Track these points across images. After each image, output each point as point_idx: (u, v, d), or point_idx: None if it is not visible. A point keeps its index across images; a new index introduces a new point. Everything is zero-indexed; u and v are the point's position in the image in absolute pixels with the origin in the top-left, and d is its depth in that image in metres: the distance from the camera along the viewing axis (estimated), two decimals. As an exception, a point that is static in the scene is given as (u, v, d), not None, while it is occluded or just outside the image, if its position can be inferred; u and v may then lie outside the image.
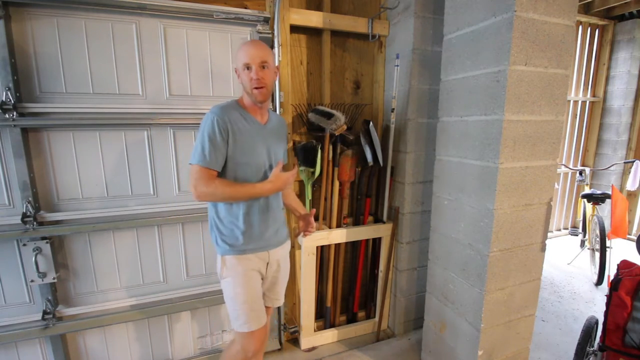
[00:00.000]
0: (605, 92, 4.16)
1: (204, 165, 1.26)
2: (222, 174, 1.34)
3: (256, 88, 1.31)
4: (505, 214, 1.48)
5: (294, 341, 2.26)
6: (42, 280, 1.62)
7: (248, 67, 1.31)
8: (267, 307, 1.63)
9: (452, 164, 1.68)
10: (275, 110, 1.92)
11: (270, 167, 1.43)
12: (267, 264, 1.48)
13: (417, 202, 2.18)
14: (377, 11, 2.18)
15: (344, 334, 2.30)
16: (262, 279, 1.50)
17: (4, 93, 1.45)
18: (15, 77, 1.49)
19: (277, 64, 1.87)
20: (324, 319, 2.31)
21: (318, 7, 2.07)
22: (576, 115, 4.14)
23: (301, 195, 2.18)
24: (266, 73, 1.33)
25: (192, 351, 2.03)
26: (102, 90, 1.64)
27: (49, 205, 1.63)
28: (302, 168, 2.01)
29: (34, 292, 1.66)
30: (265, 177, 1.41)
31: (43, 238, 1.60)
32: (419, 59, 2.01)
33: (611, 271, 2.83)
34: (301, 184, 2.16)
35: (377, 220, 2.33)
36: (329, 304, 2.27)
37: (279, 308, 2.12)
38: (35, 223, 1.57)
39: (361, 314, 2.48)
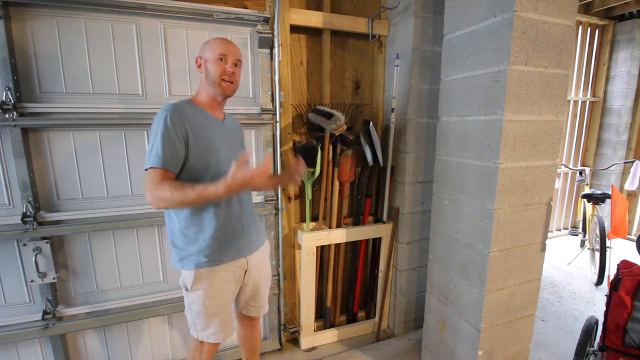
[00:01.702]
0: (605, 92, 4.16)
1: (159, 167, 1.16)
2: (180, 179, 1.24)
3: (225, 81, 1.29)
4: (505, 214, 1.48)
5: (294, 341, 2.26)
6: (42, 280, 1.62)
7: (223, 58, 1.28)
8: (252, 318, 1.60)
9: (452, 164, 1.68)
10: (275, 111, 1.92)
11: None
12: (246, 271, 1.42)
13: (417, 202, 2.18)
14: (377, 11, 2.18)
15: (344, 334, 2.30)
16: (240, 286, 1.45)
17: (4, 93, 1.45)
18: (15, 77, 1.49)
19: (276, 64, 1.87)
20: (324, 319, 2.31)
21: (318, 7, 2.07)
22: (576, 115, 4.14)
23: (301, 195, 2.18)
24: (238, 71, 1.33)
25: (192, 351, 2.03)
26: (102, 90, 1.64)
27: (49, 205, 1.63)
28: (302, 168, 2.01)
29: (34, 292, 1.66)
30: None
31: (43, 238, 1.60)
32: (419, 59, 2.01)
33: (611, 271, 2.83)
34: (301, 184, 2.16)
35: (377, 220, 2.33)
36: (329, 304, 2.27)
37: (278, 308, 2.12)
38: (35, 223, 1.57)
39: (361, 314, 2.48)
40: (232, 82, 1.31)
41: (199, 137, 1.24)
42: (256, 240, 1.46)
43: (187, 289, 1.33)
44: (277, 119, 1.93)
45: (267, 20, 1.83)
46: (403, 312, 2.30)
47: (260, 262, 1.49)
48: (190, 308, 1.36)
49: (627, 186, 3.45)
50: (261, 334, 1.84)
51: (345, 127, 1.94)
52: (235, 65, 1.32)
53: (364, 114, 2.29)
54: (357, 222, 2.28)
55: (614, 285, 1.52)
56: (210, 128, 1.30)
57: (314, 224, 2.17)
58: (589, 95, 4.16)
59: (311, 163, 1.97)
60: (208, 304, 1.33)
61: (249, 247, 1.42)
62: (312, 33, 2.08)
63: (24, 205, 1.55)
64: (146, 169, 1.19)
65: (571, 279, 3.18)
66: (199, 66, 1.32)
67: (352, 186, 2.23)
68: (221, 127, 1.36)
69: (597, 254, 2.98)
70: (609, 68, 4.10)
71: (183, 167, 1.23)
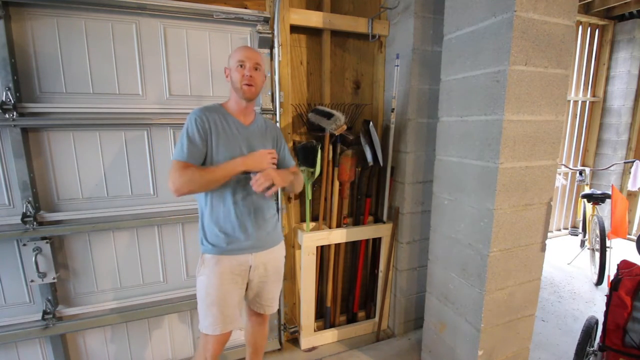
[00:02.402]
0: (605, 92, 4.16)
1: (181, 159, 1.30)
2: None
3: (246, 85, 1.36)
4: (505, 214, 1.48)
5: (294, 341, 2.26)
6: (42, 280, 1.62)
7: (242, 64, 1.36)
8: (259, 314, 1.62)
9: (452, 164, 1.68)
10: (275, 111, 1.92)
11: (245, 172, 1.38)
12: (251, 267, 1.45)
13: (417, 202, 2.18)
14: (377, 11, 2.18)
15: (344, 334, 2.30)
16: (247, 283, 1.48)
17: (4, 93, 1.45)
18: (15, 77, 1.49)
19: (276, 64, 1.87)
20: (324, 319, 2.31)
21: (318, 7, 2.07)
22: (576, 115, 4.14)
23: (301, 195, 2.18)
24: (257, 74, 1.39)
25: (192, 351, 2.02)
26: (102, 90, 1.64)
27: (49, 205, 1.63)
28: (302, 168, 2.01)
29: (34, 292, 1.66)
30: (245, 177, 1.38)
31: (43, 238, 1.60)
32: (419, 59, 2.01)
33: (611, 271, 2.83)
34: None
35: (377, 220, 2.33)
36: (329, 304, 2.27)
37: (278, 308, 2.11)
38: (35, 223, 1.57)
39: (361, 314, 2.48)
40: (251, 85, 1.37)
41: (217, 139, 1.36)
42: (265, 240, 1.48)
43: (197, 274, 1.43)
44: (277, 119, 1.93)
45: (267, 20, 1.83)
46: (403, 312, 2.30)
47: (268, 260, 1.50)
48: (197, 295, 1.43)
49: (630, 187, 3.45)
50: (267, 333, 1.84)
51: (345, 127, 1.94)
52: (255, 69, 1.38)
53: (364, 114, 2.29)
54: (357, 222, 2.28)
55: (614, 285, 1.52)
56: (229, 131, 1.39)
57: (314, 224, 2.17)
58: (589, 95, 4.16)
59: (311, 163, 1.97)
60: (209, 291, 1.38)
61: (255, 245, 1.45)
62: (312, 33, 2.08)
63: (24, 205, 1.55)
64: (172, 160, 1.32)
65: (571, 279, 3.18)
66: (227, 76, 1.42)
67: (352, 186, 2.23)
68: (243, 131, 1.42)
69: (597, 254, 2.97)
70: (609, 68, 4.10)
71: (204, 162, 1.36)
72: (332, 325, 2.33)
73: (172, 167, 1.29)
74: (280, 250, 1.58)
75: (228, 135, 1.38)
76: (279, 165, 1.60)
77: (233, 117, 1.42)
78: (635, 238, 2.69)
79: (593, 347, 1.72)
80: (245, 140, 1.41)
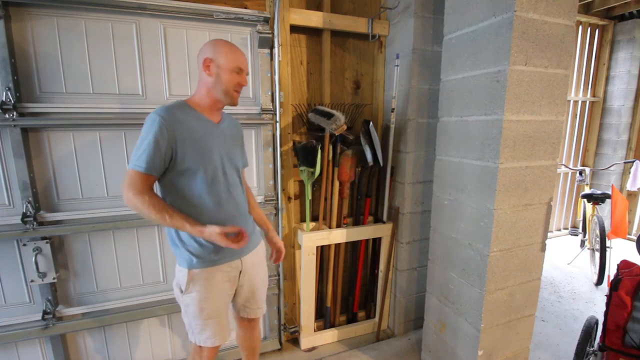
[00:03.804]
0: (605, 92, 4.16)
1: (140, 170, 1.15)
2: (170, 182, 1.24)
3: (237, 92, 1.34)
4: (505, 214, 1.48)
5: (294, 341, 2.26)
6: (42, 280, 1.62)
7: (239, 72, 1.31)
8: (251, 319, 1.58)
9: (452, 164, 1.68)
10: (275, 111, 1.92)
11: (224, 173, 1.32)
12: (241, 272, 1.41)
13: (417, 202, 2.18)
14: (377, 11, 2.18)
15: (344, 334, 2.30)
16: (236, 288, 1.43)
17: (4, 93, 1.45)
18: (15, 77, 1.49)
19: (276, 64, 1.87)
20: (324, 319, 2.31)
21: (318, 7, 2.07)
22: (576, 115, 4.14)
23: (301, 195, 2.18)
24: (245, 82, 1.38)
25: (192, 351, 2.03)
26: (102, 90, 1.64)
27: (49, 205, 1.63)
28: (302, 168, 2.01)
29: (34, 292, 1.66)
30: (217, 182, 1.29)
31: (43, 238, 1.60)
32: (419, 59, 2.01)
33: (611, 271, 2.83)
34: (301, 184, 2.16)
35: (377, 220, 2.33)
36: (329, 304, 2.27)
37: (278, 308, 2.12)
38: (35, 223, 1.57)
39: (361, 314, 2.48)
40: (239, 92, 1.36)
41: (188, 141, 1.23)
42: (252, 241, 1.44)
43: (181, 291, 1.31)
44: (277, 119, 1.93)
45: (267, 20, 1.83)
46: (403, 312, 2.30)
47: (255, 262, 1.47)
48: (186, 312, 1.35)
49: (629, 187, 3.47)
50: (261, 334, 1.83)
51: (345, 127, 1.94)
52: (247, 74, 1.37)
53: (364, 114, 2.29)
54: (357, 222, 2.28)
55: (614, 285, 1.52)
56: (203, 132, 1.28)
57: (314, 224, 2.17)
58: (589, 95, 4.16)
59: (311, 163, 1.97)
60: (203, 306, 1.31)
61: (244, 248, 1.39)
62: (312, 33, 2.08)
63: (24, 205, 1.55)
64: (128, 168, 1.17)
65: (571, 279, 3.18)
66: (207, 67, 1.27)
67: (352, 186, 2.23)
68: (215, 129, 1.34)
69: (597, 254, 2.98)
70: (609, 68, 4.10)
71: (173, 169, 1.23)
72: (332, 325, 2.33)
73: (129, 177, 1.15)
74: (262, 249, 1.55)
75: (201, 135, 1.27)
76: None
77: (203, 115, 1.31)
78: (635, 238, 2.69)
79: (593, 347, 1.72)
80: (218, 139, 1.32)
